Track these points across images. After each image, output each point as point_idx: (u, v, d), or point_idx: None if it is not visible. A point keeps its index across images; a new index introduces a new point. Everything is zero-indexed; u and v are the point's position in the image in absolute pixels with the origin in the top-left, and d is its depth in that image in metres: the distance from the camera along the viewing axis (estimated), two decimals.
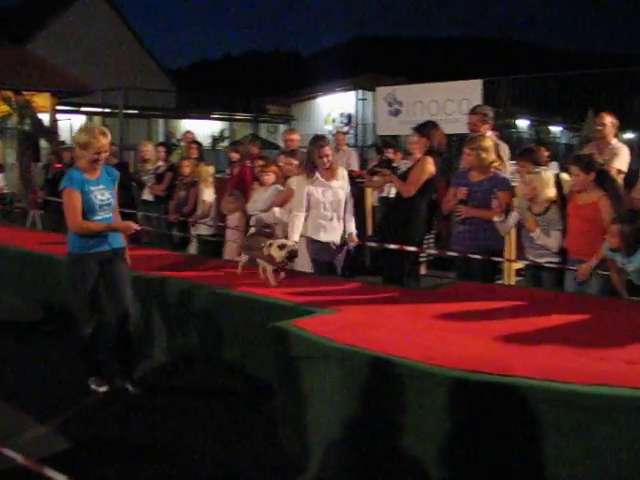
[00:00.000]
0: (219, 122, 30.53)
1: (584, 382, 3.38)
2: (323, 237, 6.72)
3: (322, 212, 6.71)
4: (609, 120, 7.58)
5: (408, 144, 7.27)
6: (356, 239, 6.89)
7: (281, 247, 5.90)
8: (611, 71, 15.05)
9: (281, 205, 8.39)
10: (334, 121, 26.27)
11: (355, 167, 12.25)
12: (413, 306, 5.10)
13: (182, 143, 13.10)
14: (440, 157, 7.26)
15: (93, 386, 5.74)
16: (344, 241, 6.82)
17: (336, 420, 4.11)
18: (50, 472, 3.30)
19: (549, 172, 6.44)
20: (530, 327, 4.49)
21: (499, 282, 7.64)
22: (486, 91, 13.12)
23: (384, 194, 9.88)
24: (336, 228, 6.76)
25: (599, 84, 14.47)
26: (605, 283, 5.91)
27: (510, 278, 8.11)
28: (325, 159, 6.61)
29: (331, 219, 6.72)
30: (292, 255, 5.97)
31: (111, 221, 5.69)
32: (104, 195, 5.60)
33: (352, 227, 6.87)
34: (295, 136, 9.90)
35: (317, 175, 6.69)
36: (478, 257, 6.45)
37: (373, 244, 7.74)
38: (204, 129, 28.28)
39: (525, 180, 6.35)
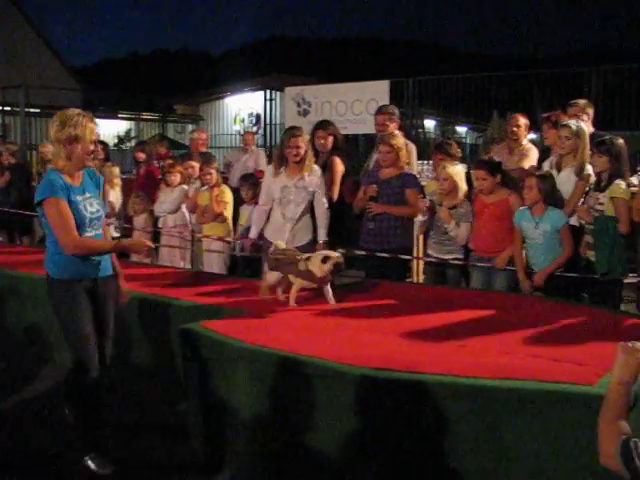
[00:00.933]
0: (126, 122, 29.96)
1: (491, 377, 3.43)
2: (269, 235, 6.54)
3: (275, 209, 6.57)
4: (523, 122, 7.75)
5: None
6: (324, 247, 6.32)
7: (324, 260, 4.95)
8: (515, 73, 15.44)
9: (192, 211, 8.32)
10: (243, 121, 26.17)
11: (263, 167, 12.20)
12: (323, 305, 5.09)
13: None
14: (347, 155, 7.29)
15: (92, 467, 4.35)
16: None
17: (248, 421, 4.08)
18: None
19: (462, 166, 6.57)
20: (438, 324, 4.55)
21: (409, 280, 7.72)
22: (393, 91, 13.26)
23: None
24: (286, 229, 6.48)
25: (503, 86, 14.82)
26: (510, 279, 6.07)
27: (419, 276, 8.20)
28: (294, 150, 6.37)
29: (283, 218, 6.52)
30: (338, 269, 5.06)
31: (102, 238, 4.53)
32: (93, 206, 4.41)
33: (322, 233, 6.59)
34: (203, 135, 9.79)
35: (282, 170, 6.50)
36: (385, 255, 6.49)
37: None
38: (110, 129, 27.69)
39: (442, 174, 6.40)
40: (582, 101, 7.27)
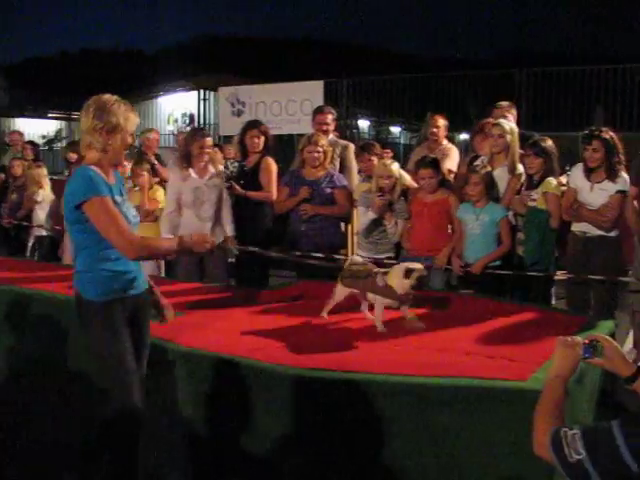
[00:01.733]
0: (56, 121, 29.42)
1: (424, 374, 3.46)
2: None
3: (191, 213, 6.58)
4: (442, 122, 7.82)
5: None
6: (233, 242, 6.53)
7: (407, 273, 4.27)
8: (448, 74, 15.67)
9: None
10: (176, 121, 25.92)
11: None
12: (256, 306, 5.08)
13: (10, 144, 12.40)
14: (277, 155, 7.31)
15: None
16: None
17: (182, 423, 4.03)
18: None
19: (396, 163, 6.62)
20: (371, 323, 4.55)
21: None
22: (327, 92, 13.31)
23: None
24: (201, 229, 6.38)
25: (437, 86, 15.02)
26: (446, 278, 6.15)
27: None
28: (207, 150, 6.54)
29: (198, 219, 6.56)
30: (422, 283, 4.37)
31: None
32: (130, 210, 3.81)
33: (229, 229, 6.70)
34: (157, 135, 9.60)
35: (191, 171, 6.56)
36: (319, 255, 6.47)
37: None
38: (39, 129, 27.15)
39: (386, 172, 6.41)
40: (505, 103, 7.41)
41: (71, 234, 3.78)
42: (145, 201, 7.74)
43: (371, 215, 6.42)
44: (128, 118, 3.66)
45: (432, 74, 14.77)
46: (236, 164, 7.15)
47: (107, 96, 3.70)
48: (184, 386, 4.00)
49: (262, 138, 7.12)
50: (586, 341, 2.58)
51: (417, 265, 4.35)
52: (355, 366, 3.60)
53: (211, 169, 6.68)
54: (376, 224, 6.46)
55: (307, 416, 3.61)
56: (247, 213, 7.02)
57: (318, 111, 7.82)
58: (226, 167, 7.13)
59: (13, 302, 5.40)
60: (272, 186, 6.98)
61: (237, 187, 6.81)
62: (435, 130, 7.80)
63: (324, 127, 7.45)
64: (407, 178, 6.58)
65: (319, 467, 3.62)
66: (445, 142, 7.83)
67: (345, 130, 14.23)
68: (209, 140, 6.69)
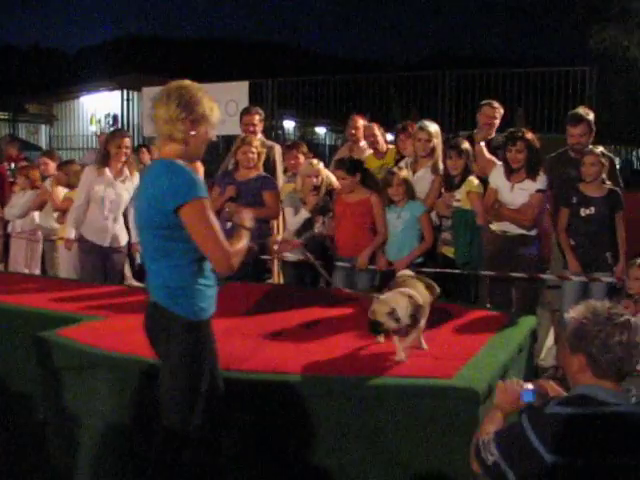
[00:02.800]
0: None
1: (353, 374, 3.52)
2: (92, 237, 6.57)
3: (98, 211, 6.55)
4: (361, 123, 7.86)
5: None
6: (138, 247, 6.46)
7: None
8: (373, 76, 15.81)
9: (39, 209, 8.01)
10: (99, 122, 25.45)
11: None
12: None
13: None
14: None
15: None
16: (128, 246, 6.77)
17: (108, 429, 3.97)
18: None
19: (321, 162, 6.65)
20: (298, 324, 4.57)
21: (268, 281, 7.72)
22: (253, 92, 13.27)
23: None
24: (110, 230, 6.59)
25: (362, 88, 15.14)
26: (372, 279, 6.20)
27: (279, 277, 8.21)
28: (125, 150, 6.58)
29: (106, 219, 6.57)
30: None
31: None
32: None
33: (134, 235, 6.62)
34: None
35: (107, 170, 6.58)
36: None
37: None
38: None
39: (313, 171, 6.41)
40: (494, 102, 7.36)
41: (148, 239, 3.23)
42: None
43: (304, 214, 6.43)
44: (213, 109, 3.28)
45: (358, 75, 14.88)
46: None
47: (189, 83, 3.35)
48: (107, 392, 3.94)
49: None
50: (531, 388, 2.65)
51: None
52: (285, 367, 3.64)
53: (126, 172, 6.67)
54: (311, 223, 6.48)
55: (236, 419, 3.60)
56: None
57: (245, 112, 7.79)
58: None
59: None
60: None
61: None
62: (354, 131, 7.84)
63: (251, 128, 7.44)
64: (333, 179, 6.61)
65: (249, 470, 3.62)
66: (363, 143, 7.84)
67: (271, 131, 14.22)
68: (127, 140, 6.69)
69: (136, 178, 6.50)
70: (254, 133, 7.33)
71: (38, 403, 4.60)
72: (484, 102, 7.09)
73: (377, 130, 7.53)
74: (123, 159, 6.60)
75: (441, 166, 6.33)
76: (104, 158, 6.63)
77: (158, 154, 3.39)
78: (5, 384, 5.32)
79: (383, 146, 7.56)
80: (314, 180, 6.36)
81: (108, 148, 6.59)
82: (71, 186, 7.67)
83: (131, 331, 4.37)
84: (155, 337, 3.26)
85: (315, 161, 6.55)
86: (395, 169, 6.27)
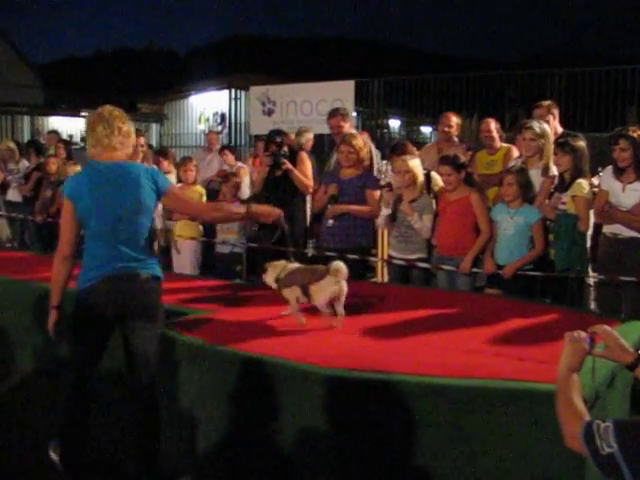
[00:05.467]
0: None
1: (455, 376, 3.45)
2: None
3: None
4: (455, 121, 7.76)
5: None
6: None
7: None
8: (480, 74, 15.54)
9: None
10: (207, 120, 25.97)
11: (227, 167, 12.15)
12: (287, 306, 5.05)
13: (46, 144, 12.65)
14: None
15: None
16: None
17: (212, 422, 4.05)
18: None
19: (417, 159, 6.58)
20: (401, 323, 4.55)
21: (371, 280, 7.72)
22: (358, 91, 13.29)
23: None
24: None
25: (468, 87, 14.93)
26: (474, 282, 6.11)
27: (383, 276, 8.20)
28: (140, 148, 7.62)
29: None
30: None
31: None
32: None
33: (159, 222, 7.49)
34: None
35: None
36: (355, 257, 6.46)
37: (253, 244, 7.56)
38: (73, 127, 27.39)
39: (403, 167, 6.39)
40: (547, 102, 7.30)
41: (143, 223, 4.00)
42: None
43: (385, 211, 6.43)
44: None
45: (465, 74, 14.63)
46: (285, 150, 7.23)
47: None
48: (213, 385, 4.02)
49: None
50: (588, 334, 2.66)
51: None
52: (387, 366, 3.59)
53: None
54: (392, 220, 6.47)
55: (338, 417, 3.60)
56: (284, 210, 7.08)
57: (329, 116, 7.90)
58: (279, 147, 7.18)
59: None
60: (309, 177, 7.07)
61: (287, 162, 6.99)
62: (447, 129, 7.74)
63: (336, 130, 7.54)
64: (437, 177, 6.56)
65: (348, 469, 3.62)
66: (456, 141, 7.75)
67: (376, 130, 14.20)
68: (142, 139, 7.90)
69: None
70: (339, 135, 7.39)
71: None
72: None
73: (493, 125, 7.43)
74: (140, 156, 7.54)
75: (553, 168, 6.17)
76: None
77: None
78: (112, 375, 5.51)
79: (497, 142, 7.43)
80: (403, 177, 6.34)
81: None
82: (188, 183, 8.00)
83: (237, 326, 4.49)
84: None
85: (407, 157, 6.52)
86: (514, 168, 6.15)
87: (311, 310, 4.51)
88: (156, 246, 5.16)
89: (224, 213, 4.59)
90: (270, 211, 4.50)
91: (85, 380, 4.06)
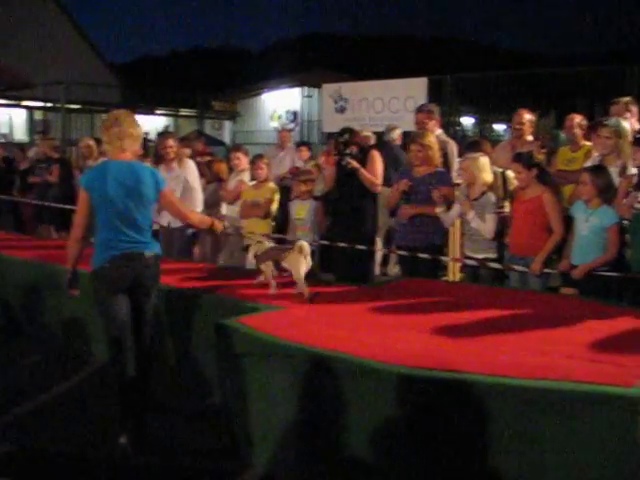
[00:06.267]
0: (163, 118, 30.22)
1: (527, 377, 3.40)
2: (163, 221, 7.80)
3: None
4: (527, 118, 7.64)
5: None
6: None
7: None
8: (555, 71, 15.28)
9: (230, 202, 8.36)
10: (280, 118, 26.17)
11: (300, 164, 12.20)
12: (359, 303, 5.08)
13: None
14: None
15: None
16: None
17: (282, 417, 4.08)
18: None
19: (485, 158, 6.51)
20: (474, 323, 4.51)
21: (443, 278, 7.68)
22: (431, 89, 13.20)
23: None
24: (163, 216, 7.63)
25: (542, 83, 14.69)
26: (545, 279, 6.02)
27: (455, 274, 8.15)
28: (169, 149, 7.97)
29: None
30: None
31: None
32: None
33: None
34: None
35: (161, 167, 7.76)
36: (426, 256, 6.45)
37: (325, 242, 7.57)
38: (148, 124, 27.96)
39: (462, 166, 6.39)
40: (625, 99, 7.13)
41: (146, 213, 4.81)
42: (263, 197, 7.92)
43: (438, 210, 6.52)
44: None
45: (539, 70, 14.40)
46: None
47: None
48: (281, 380, 4.05)
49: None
50: None
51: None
52: (458, 366, 3.56)
53: (176, 166, 8.01)
54: (465, 220, 6.47)
55: (407, 416, 3.58)
56: (351, 207, 7.15)
57: (417, 110, 7.91)
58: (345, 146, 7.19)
59: None
60: (378, 176, 7.04)
61: (353, 161, 6.93)
62: (518, 126, 7.62)
63: (419, 126, 7.51)
64: (512, 176, 6.49)
65: (417, 469, 3.61)
66: (530, 138, 7.62)
67: (449, 127, 14.09)
68: (170, 140, 8.12)
69: (187, 167, 8.01)
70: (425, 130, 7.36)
71: (214, 387, 4.84)
72: None
73: (576, 121, 7.30)
74: (171, 156, 7.99)
75: (631, 169, 5.99)
76: (158, 158, 7.95)
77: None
78: (182, 367, 5.61)
79: (580, 140, 7.28)
80: (463, 175, 6.37)
81: (158, 149, 7.96)
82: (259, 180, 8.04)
83: (307, 322, 4.51)
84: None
85: (468, 156, 6.48)
86: (590, 167, 6.03)
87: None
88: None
89: (196, 221, 5.37)
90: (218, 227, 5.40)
91: (127, 351, 4.74)
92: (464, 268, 6.89)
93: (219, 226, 5.45)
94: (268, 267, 5.42)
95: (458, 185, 6.68)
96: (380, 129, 10.80)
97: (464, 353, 3.83)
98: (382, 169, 7.12)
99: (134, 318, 4.79)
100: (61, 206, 10.09)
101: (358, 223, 7.07)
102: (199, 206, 7.99)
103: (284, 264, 5.26)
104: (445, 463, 3.54)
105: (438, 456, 3.55)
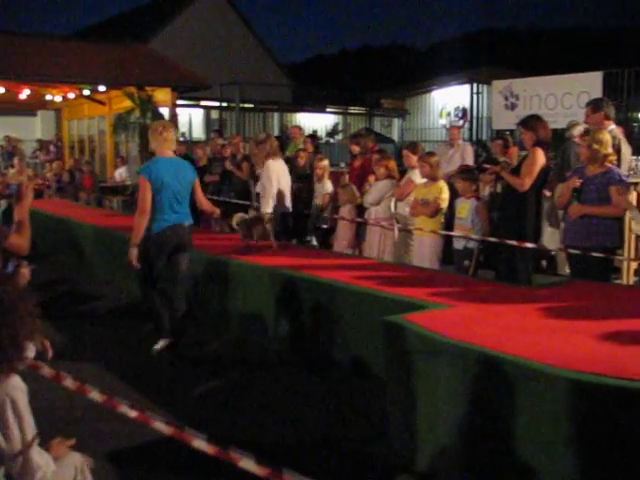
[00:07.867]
0: (333, 116, 30.70)
1: None
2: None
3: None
4: None
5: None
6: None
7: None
8: None
9: (401, 198, 8.46)
10: (449, 115, 25.99)
11: (470, 162, 12.11)
12: (527, 304, 5.01)
13: (291, 137, 13.41)
14: (547, 149, 7.16)
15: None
16: None
17: (446, 417, 4.05)
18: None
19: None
20: None
21: (616, 282, 7.44)
22: (607, 83, 12.75)
23: (493, 189, 9.74)
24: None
25: None
26: None
27: (629, 278, 7.88)
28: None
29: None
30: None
31: None
32: None
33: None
34: None
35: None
36: (600, 255, 6.24)
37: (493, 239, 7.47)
38: (318, 123, 28.54)
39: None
40: None
41: (187, 195, 6.56)
42: (433, 196, 7.96)
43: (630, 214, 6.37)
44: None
45: None
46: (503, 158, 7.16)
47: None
48: (448, 380, 4.03)
49: (529, 134, 7.09)
50: None
51: None
52: (630, 373, 3.42)
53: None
54: None
55: (578, 424, 3.44)
56: (510, 206, 7.11)
57: (586, 105, 7.71)
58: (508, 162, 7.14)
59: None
60: (525, 177, 6.89)
61: (489, 167, 6.88)
62: None
63: (586, 120, 7.36)
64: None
65: (587, 476, 3.49)
66: None
67: (626, 122, 13.53)
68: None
69: (275, 163, 8.19)
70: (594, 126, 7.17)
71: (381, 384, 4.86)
72: None
73: None
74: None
75: None
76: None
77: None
78: (351, 363, 5.73)
79: None
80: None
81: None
82: (432, 177, 8.08)
83: (473, 322, 4.49)
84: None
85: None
86: None
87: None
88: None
89: (206, 206, 7.08)
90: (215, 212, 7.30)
91: (155, 287, 6.55)
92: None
93: (217, 212, 7.25)
94: (243, 231, 7.61)
95: (636, 185, 6.43)
96: (552, 126, 10.55)
97: (636, 359, 3.69)
98: (540, 166, 6.92)
99: (170, 273, 6.44)
100: (241, 202, 10.48)
101: (520, 222, 6.96)
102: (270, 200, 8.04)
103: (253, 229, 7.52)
104: (620, 474, 3.38)
105: (606, 465, 3.41)
